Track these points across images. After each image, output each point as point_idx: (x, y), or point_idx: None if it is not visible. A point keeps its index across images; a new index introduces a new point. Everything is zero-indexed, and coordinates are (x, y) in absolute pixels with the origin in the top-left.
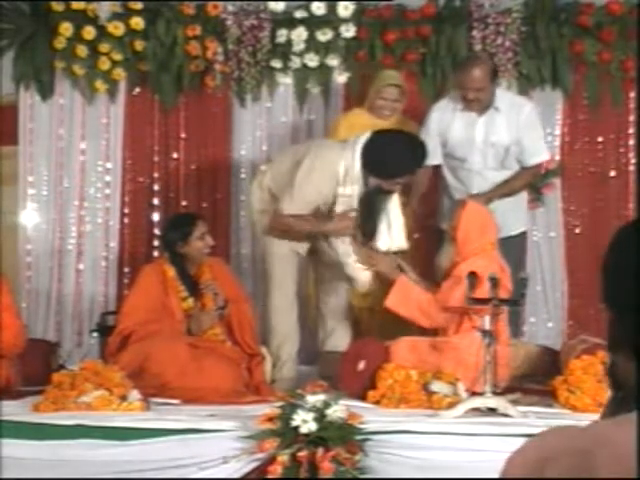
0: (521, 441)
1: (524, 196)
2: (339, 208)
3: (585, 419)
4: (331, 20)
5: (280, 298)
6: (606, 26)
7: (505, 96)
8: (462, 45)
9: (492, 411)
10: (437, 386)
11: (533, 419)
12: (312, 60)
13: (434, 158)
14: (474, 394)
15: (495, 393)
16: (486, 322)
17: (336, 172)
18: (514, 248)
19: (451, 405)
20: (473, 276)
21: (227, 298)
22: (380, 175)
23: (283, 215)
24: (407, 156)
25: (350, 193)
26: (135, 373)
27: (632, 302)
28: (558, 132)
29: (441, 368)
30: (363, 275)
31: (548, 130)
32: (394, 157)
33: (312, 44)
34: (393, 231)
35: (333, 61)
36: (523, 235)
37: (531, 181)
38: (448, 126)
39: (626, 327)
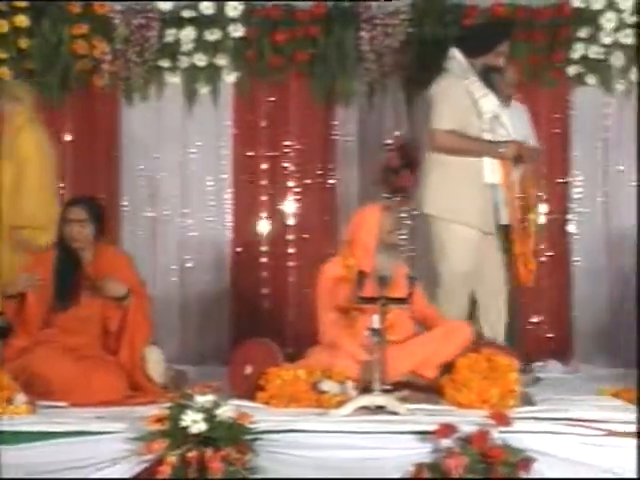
0: (410, 438)
1: None
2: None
3: (470, 415)
4: (219, 20)
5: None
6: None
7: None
8: (351, 46)
9: (381, 409)
10: (327, 385)
11: (421, 416)
12: (201, 60)
13: None
14: (364, 392)
15: (383, 391)
16: (375, 321)
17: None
18: None
19: (340, 404)
20: (362, 275)
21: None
22: (477, 49)
23: (441, 134)
24: (493, 24)
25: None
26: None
27: None
28: None
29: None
30: None
31: None
32: (481, 28)
33: (201, 44)
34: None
35: (222, 61)
36: None
37: None
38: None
39: None
